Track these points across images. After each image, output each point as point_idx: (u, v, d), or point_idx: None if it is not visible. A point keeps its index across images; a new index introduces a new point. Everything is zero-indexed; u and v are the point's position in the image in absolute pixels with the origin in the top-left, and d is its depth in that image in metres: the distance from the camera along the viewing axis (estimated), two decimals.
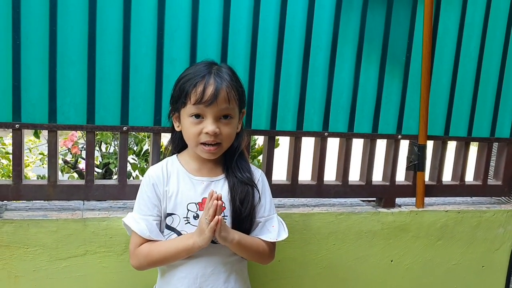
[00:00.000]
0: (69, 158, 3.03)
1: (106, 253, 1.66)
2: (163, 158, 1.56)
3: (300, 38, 1.76)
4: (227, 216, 1.47)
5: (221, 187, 1.49)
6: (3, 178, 3.01)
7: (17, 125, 1.55)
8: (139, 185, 1.51)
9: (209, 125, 1.39)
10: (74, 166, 3.05)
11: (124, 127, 1.64)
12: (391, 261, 2.01)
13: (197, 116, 1.41)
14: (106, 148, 3.20)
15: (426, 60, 1.88)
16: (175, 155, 1.55)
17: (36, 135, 3.04)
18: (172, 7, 1.61)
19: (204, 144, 1.42)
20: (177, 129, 1.51)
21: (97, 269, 1.66)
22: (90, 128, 1.62)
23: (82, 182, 1.68)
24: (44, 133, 3.28)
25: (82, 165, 3.21)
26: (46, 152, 3.19)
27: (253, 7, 1.69)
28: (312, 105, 1.82)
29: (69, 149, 2.89)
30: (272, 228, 1.55)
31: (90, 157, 1.66)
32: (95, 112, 1.61)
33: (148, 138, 3.17)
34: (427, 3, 1.83)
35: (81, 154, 3.00)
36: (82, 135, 3.08)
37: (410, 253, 2.03)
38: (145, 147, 3.33)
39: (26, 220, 1.58)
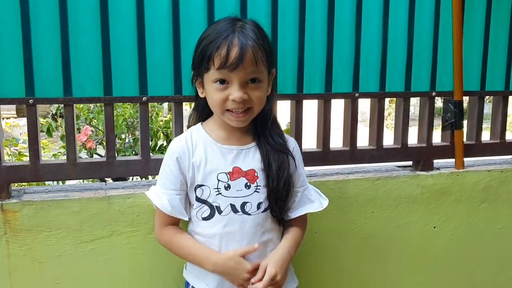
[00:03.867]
0: (83, 154, 2.94)
1: (133, 233, 1.55)
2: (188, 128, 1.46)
3: None
4: (260, 186, 1.36)
5: (252, 155, 1.38)
6: None
7: (31, 101, 1.45)
8: (163, 159, 1.41)
9: (235, 92, 1.27)
10: None
11: (144, 98, 1.54)
12: (434, 227, 1.89)
13: (222, 81, 1.28)
14: (121, 144, 3.11)
15: (457, 9, 1.76)
16: (199, 124, 1.44)
17: (49, 134, 2.96)
18: None
19: (231, 111, 1.31)
20: (201, 95, 1.39)
21: (125, 251, 1.55)
22: (108, 100, 1.52)
23: (103, 159, 1.58)
24: (58, 133, 3.23)
25: None
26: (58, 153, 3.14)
27: None
28: (340, 64, 1.70)
29: (83, 143, 2.79)
30: (311, 196, 1.47)
31: (110, 132, 1.55)
32: (112, 83, 1.50)
33: (163, 128, 3.09)
34: None
35: (95, 149, 2.91)
36: (96, 130, 3.00)
37: (453, 218, 1.91)
38: (160, 142, 3.25)
39: (47, 201, 1.48)
